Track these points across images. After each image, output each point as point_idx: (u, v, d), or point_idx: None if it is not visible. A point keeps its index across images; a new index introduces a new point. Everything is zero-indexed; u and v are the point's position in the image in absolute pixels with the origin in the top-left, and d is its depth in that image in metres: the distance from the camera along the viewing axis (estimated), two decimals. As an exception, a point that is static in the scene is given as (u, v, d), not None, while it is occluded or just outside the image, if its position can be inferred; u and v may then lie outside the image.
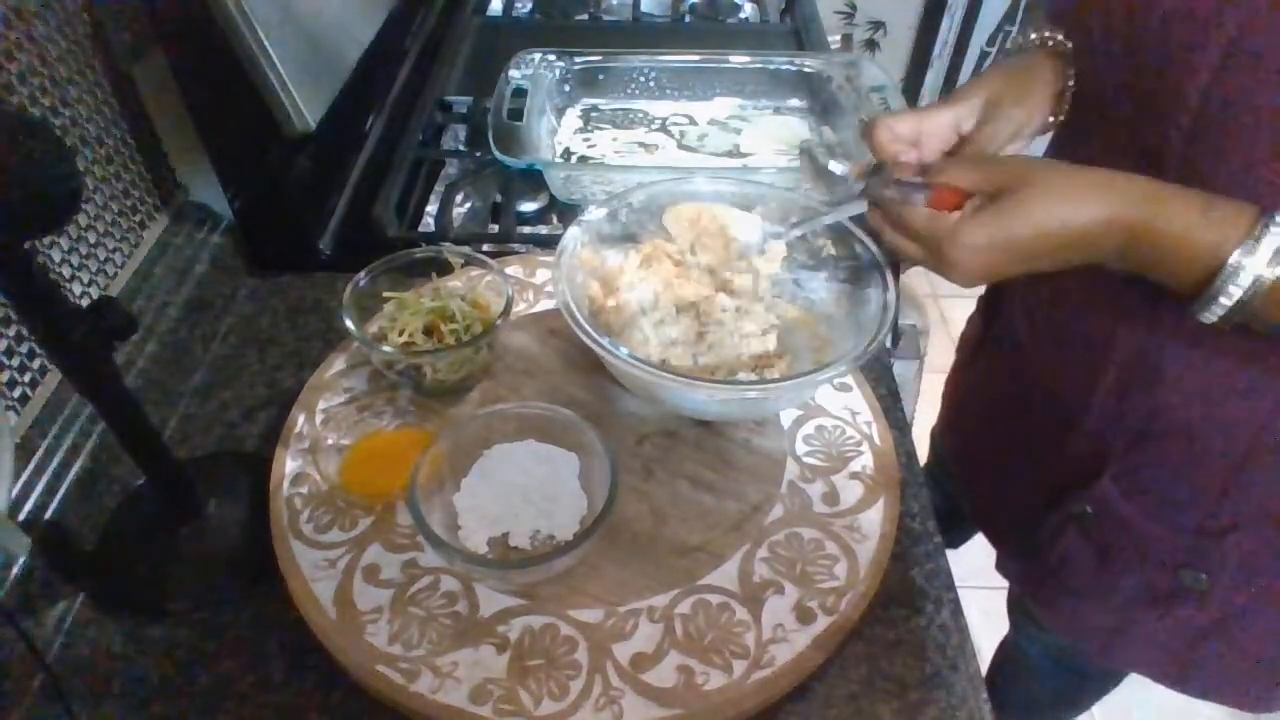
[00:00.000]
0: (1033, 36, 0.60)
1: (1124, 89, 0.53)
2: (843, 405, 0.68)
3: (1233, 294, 0.44)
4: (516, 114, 0.89)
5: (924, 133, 0.56)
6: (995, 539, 0.83)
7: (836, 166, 0.58)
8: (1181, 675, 0.72)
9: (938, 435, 0.92)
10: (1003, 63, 0.61)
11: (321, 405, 0.66)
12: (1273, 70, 0.45)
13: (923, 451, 0.78)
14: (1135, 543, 0.65)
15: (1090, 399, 0.63)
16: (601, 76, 1.03)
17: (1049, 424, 0.68)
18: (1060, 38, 0.58)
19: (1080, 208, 0.46)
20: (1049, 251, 0.47)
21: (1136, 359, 0.59)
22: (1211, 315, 0.46)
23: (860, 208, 0.55)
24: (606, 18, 1.34)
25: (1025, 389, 0.72)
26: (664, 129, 1.00)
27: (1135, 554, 0.65)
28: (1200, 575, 0.63)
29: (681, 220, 0.65)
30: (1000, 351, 0.77)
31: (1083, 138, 0.58)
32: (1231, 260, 0.44)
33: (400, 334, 0.66)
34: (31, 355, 0.62)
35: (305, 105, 0.74)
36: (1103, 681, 1.00)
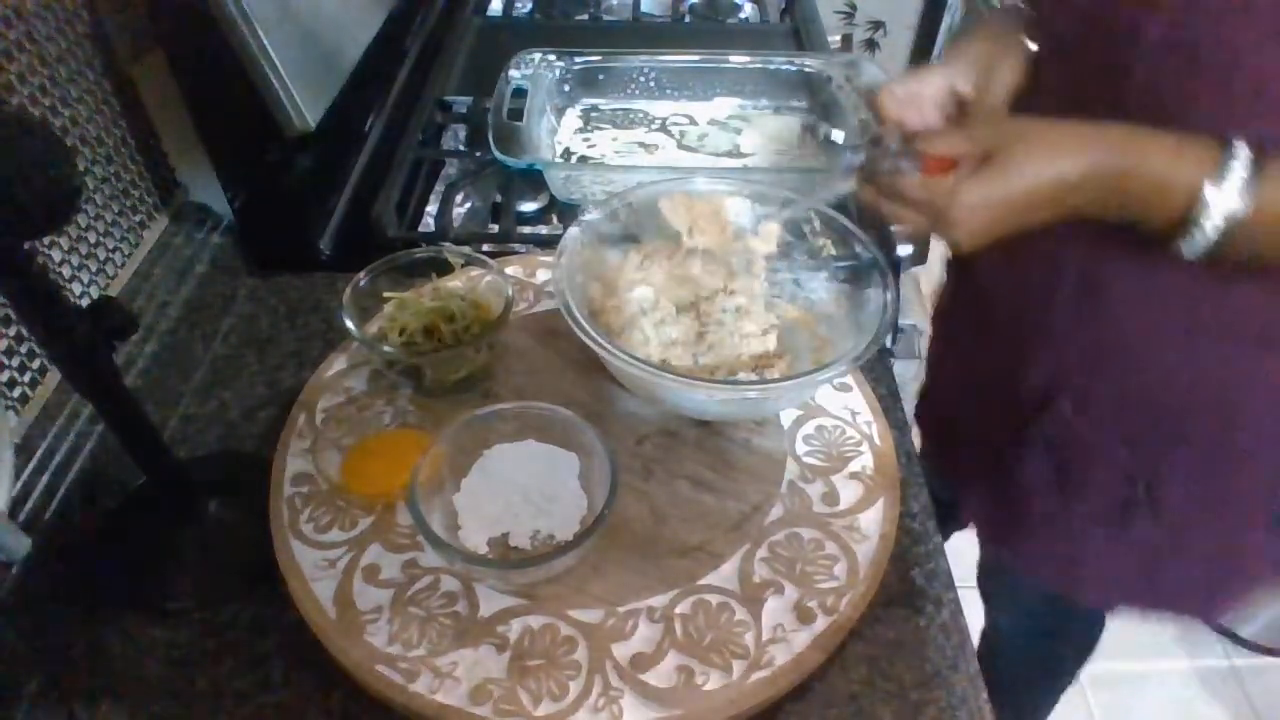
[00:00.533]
0: (994, 2, 0.63)
1: (1083, 36, 0.56)
2: (843, 405, 0.68)
3: (1208, 229, 0.47)
4: (516, 114, 0.89)
5: (923, 95, 0.60)
6: (964, 487, 0.84)
7: (837, 136, 0.61)
8: (1137, 594, 0.75)
9: (919, 407, 0.94)
10: (975, 29, 0.64)
11: (321, 405, 0.66)
12: (1235, 6, 0.46)
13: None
14: (1091, 461, 0.67)
15: (1045, 323, 0.65)
16: (601, 76, 1.03)
17: (1007, 357, 0.70)
18: (1020, 3, 0.62)
19: (1066, 159, 0.48)
20: (1042, 204, 0.50)
21: (1085, 279, 0.61)
22: (1193, 251, 0.48)
23: (848, 185, 0.58)
24: (606, 18, 1.34)
25: (983, 325, 0.74)
26: (664, 129, 1.00)
27: (1091, 472, 0.68)
28: (1150, 486, 0.66)
29: (678, 207, 0.66)
30: (964, 304, 0.79)
31: (1045, 90, 0.61)
32: (1205, 196, 0.46)
33: (400, 334, 0.66)
34: (31, 355, 0.62)
35: (305, 105, 0.74)
36: (1080, 641, 1.02)
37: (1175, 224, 0.48)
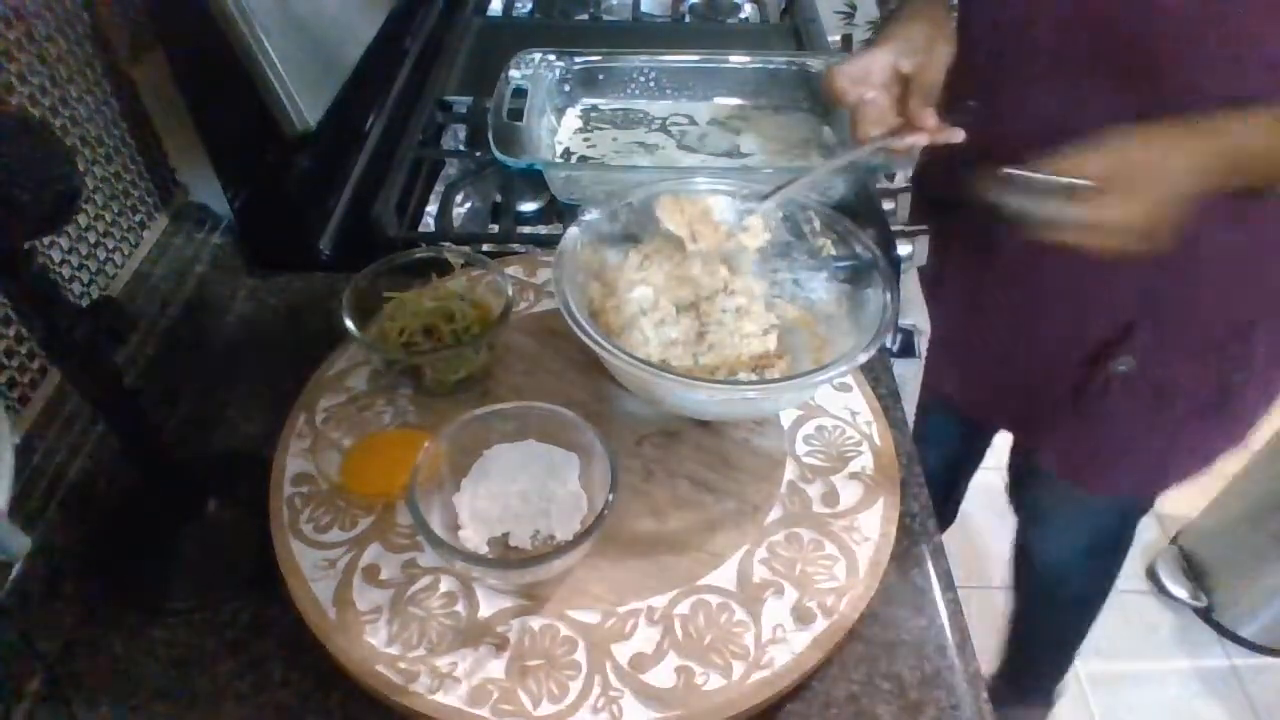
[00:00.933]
0: None
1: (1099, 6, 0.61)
2: (843, 405, 0.68)
3: None
4: (516, 114, 0.89)
5: (871, 73, 0.64)
6: (1031, 431, 0.92)
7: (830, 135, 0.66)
8: (1211, 460, 0.85)
9: (934, 376, 0.96)
10: (908, 8, 0.69)
11: (321, 405, 0.66)
12: None
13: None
14: (1180, 373, 0.75)
15: (1103, 267, 0.70)
16: (601, 76, 1.03)
17: (1068, 306, 0.77)
18: None
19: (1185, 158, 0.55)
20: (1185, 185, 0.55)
21: None
22: None
23: (825, 170, 0.66)
24: (606, 18, 1.34)
25: (1033, 281, 0.79)
26: (664, 129, 1.00)
27: (1182, 383, 0.76)
28: (1244, 372, 0.74)
29: (673, 213, 0.66)
30: (991, 257, 0.83)
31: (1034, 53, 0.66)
32: None
33: (400, 334, 0.66)
34: (31, 355, 0.61)
35: (305, 105, 0.74)
36: (1122, 548, 1.11)
37: None
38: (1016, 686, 1.34)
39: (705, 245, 0.66)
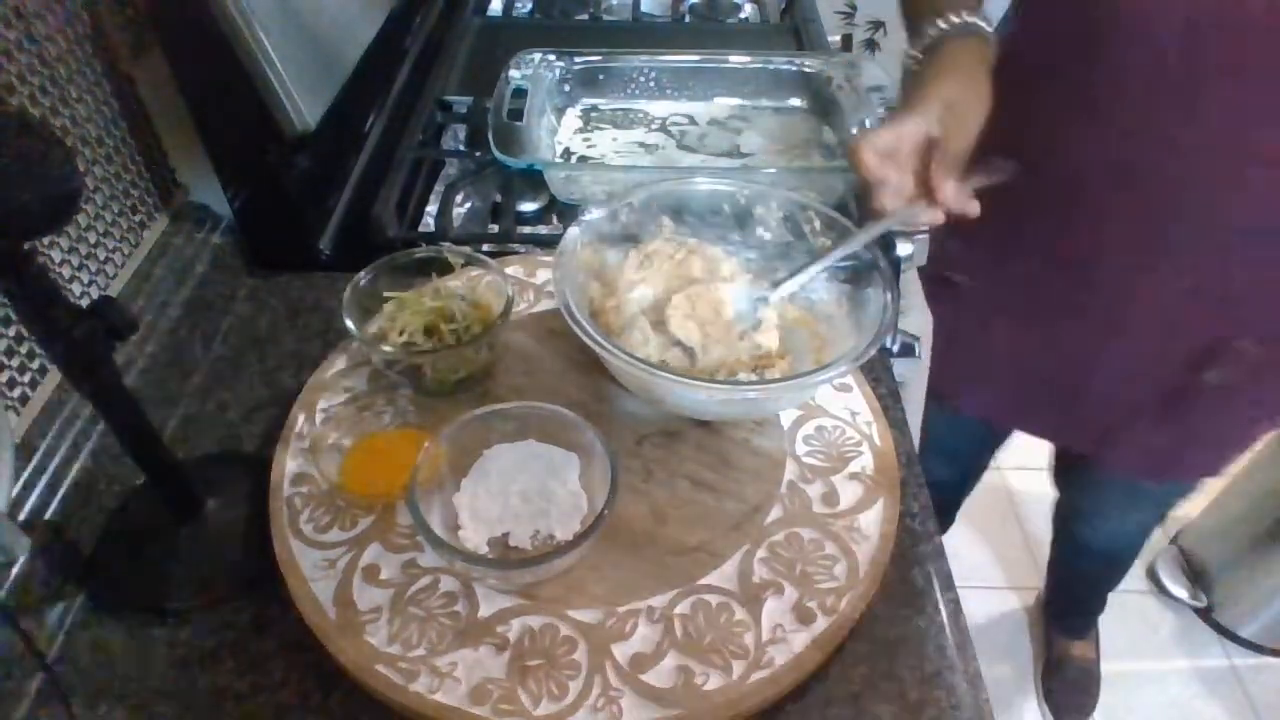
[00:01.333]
0: (950, 23, 0.62)
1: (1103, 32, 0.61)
2: (843, 405, 0.68)
3: None
4: (516, 114, 0.89)
5: (901, 143, 0.58)
6: (1082, 441, 0.93)
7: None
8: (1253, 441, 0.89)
9: (944, 381, 0.95)
10: (938, 58, 0.62)
11: (321, 405, 0.66)
12: None
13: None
14: (1265, 372, 0.76)
15: (1182, 300, 0.73)
16: (601, 76, 1.03)
17: (1155, 330, 0.77)
18: (981, 22, 0.62)
19: None
20: None
21: (1215, 261, 0.69)
22: None
23: (839, 253, 0.61)
24: (606, 18, 1.34)
25: (1118, 309, 0.78)
26: (664, 129, 1.00)
27: (1267, 379, 0.77)
28: None
29: (684, 321, 0.64)
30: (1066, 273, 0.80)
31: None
32: None
33: (400, 334, 0.66)
34: (31, 355, 0.62)
35: (305, 105, 0.74)
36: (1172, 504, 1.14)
37: None
38: (1060, 616, 1.50)
39: (718, 354, 0.63)
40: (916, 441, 0.72)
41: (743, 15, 1.36)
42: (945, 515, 1.37)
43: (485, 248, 0.84)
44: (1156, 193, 0.67)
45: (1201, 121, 0.62)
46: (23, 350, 0.61)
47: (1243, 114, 0.61)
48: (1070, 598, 1.47)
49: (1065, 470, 1.17)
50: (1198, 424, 0.83)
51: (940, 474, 0.98)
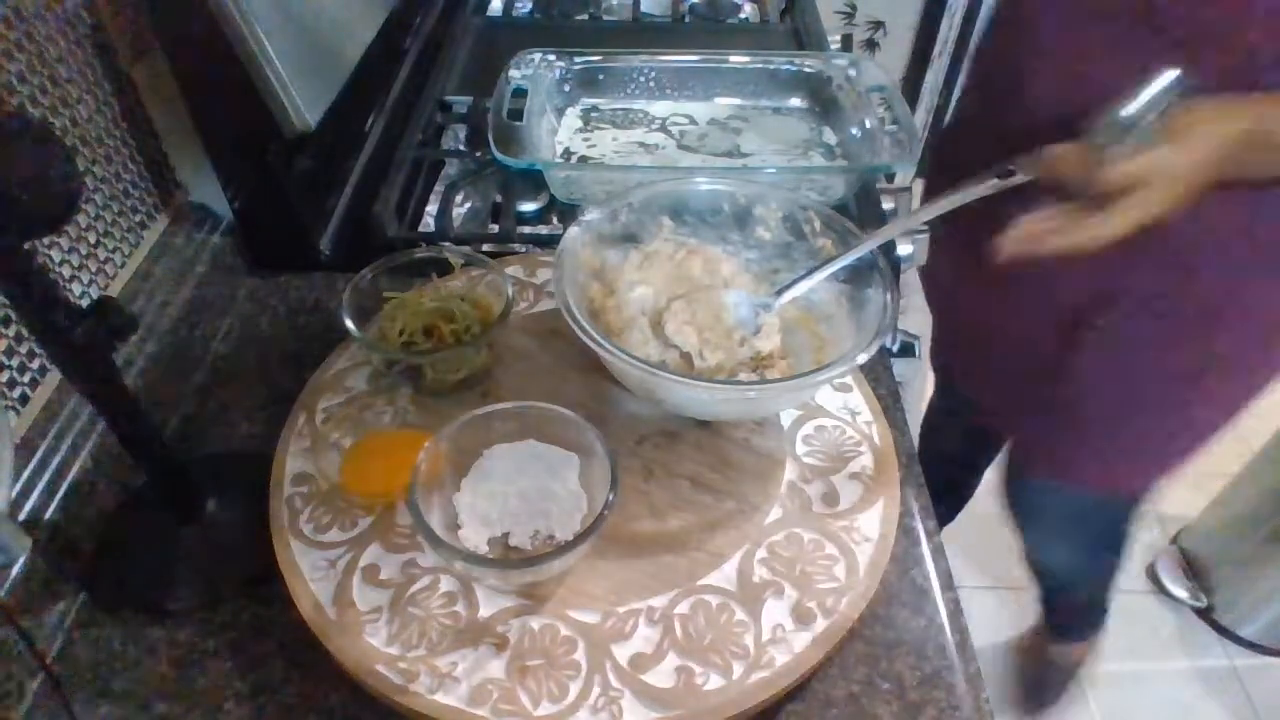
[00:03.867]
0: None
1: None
2: (843, 405, 0.68)
3: None
4: (516, 114, 0.89)
5: None
6: (1010, 416, 0.90)
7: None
8: (1186, 452, 0.83)
9: (937, 355, 0.97)
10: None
11: (321, 405, 0.66)
12: None
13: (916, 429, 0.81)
14: (1155, 341, 0.73)
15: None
16: (601, 76, 1.03)
17: (1040, 280, 0.74)
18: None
19: (1230, 121, 0.53)
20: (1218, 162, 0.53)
21: None
22: None
23: (851, 258, 0.61)
24: (606, 18, 1.34)
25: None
26: (664, 129, 1.00)
27: (1157, 352, 0.74)
28: (1223, 341, 0.72)
29: (682, 326, 0.64)
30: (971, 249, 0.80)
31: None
32: None
33: (400, 334, 0.66)
34: (31, 355, 0.62)
35: (305, 105, 0.74)
36: (1125, 532, 1.10)
37: None
38: (1055, 633, 1.43)
39: (715, 360, 0.63)
40: (917, 442, 0.73)
41: (743, 15, 1.36)
42: (947, 514, 1.36)
43: (485, 248, 0.84)
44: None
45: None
46: (23, 350, 0.61)
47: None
48: (1056, 621, 1.39)
49: (1008, 486, 1.11)
50: (1094, 406, 0.80)
51: (940, 471, 0.98)
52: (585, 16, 1.33)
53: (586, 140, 0.99)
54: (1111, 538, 1.09)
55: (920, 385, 1.00)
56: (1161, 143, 0.52)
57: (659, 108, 1.04)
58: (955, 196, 0.59)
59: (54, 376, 0.63)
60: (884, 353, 0.80)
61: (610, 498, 0.53)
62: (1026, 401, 0.85)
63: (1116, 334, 0.73)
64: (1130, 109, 0.53)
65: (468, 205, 0.93)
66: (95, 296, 0.67)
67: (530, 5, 1.36)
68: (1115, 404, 0.79)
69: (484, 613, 0.53)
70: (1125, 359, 0.75)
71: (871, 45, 2.27)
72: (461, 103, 1.06)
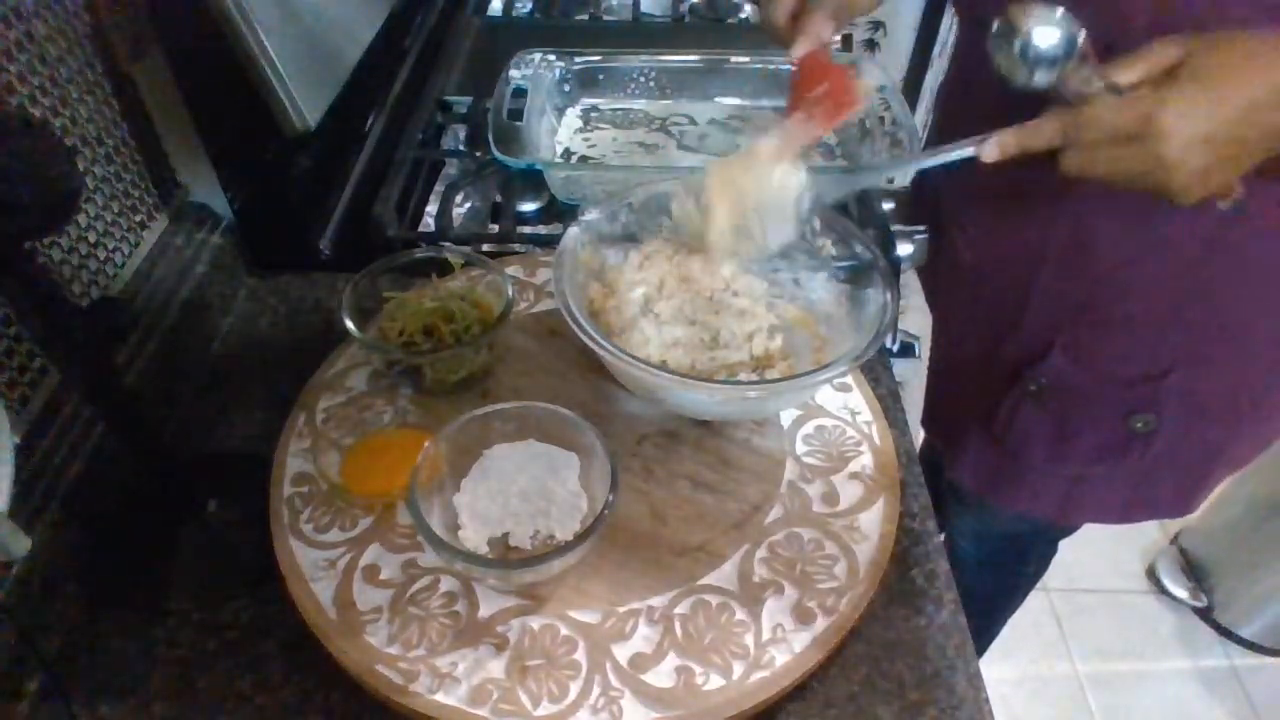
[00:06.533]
0: None
1: None
2: (843, 405, 0.68)
3: None
4: (516, 114, 0.89)
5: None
6: (951, 442, 0.88)
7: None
8: (1127, 511, 0.80)
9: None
10: None
11: (321, 405, 0.66)
12: None
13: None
14: (1088, 404, 0.72)
15: (1031, 287, 0.70)
16: (601, 76, 1.03)
17: (996, 321, 0.75)
18: None
19: (1274, 69, 0.44)
20: (1259, 124, 0.44)
21: (1071, 242, 0.66)
22: None
23: (856, 185, 0.62)
24: (606, 18, 1.34)
25: (972, 292, 0.78)
26: (664, 129, 1.00)
27: (1089, 414, 0.73)
28: (1149, 417, 0.70)
29: (723, 189, 0.63)
30: (945, 269, 0.83)
31: None
32: None
33: (400, 334, 0.66)
34: (31, 355, 0.61)
35: (305, 105, 0.73)
36: (1040, 560, 1.08)
37: None
38: None
39: (722, 214, 0.61)
40: (917, 442, 0.73)
41: (743, 15, 1.36)
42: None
43: (485, 248, 0.84)
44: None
45: None
46: (23, 350, 0.61)
47: None
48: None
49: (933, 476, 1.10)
50: (1024, 447, 0.77)
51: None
52: (585, 16, 1.33)
53: (586, 140, 0.99)
54: (1012, 553, 1.05)
55: (920, 385, 1.00)
56: (1151, 92, 0.45)
57: (659, 108, 1.04)
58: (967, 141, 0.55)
59: (54, 376, 0.63)
60: (884, 353, 0.80)
61: (610, 498, 0.53)
62: (958, 426, 0.85)
63: (1049, 391, 0.73)
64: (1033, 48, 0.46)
65: (468, 205, 0.93)
66: (95, 296, 0.68)
67: (530, 5, 1.36)
68: (1040, 455, 0.77)
69: (484, 613, 0.53)
70: (1051, 417, 0.74)
71: (871, 45, 2.27)
72: (461, 103, 1.06)
